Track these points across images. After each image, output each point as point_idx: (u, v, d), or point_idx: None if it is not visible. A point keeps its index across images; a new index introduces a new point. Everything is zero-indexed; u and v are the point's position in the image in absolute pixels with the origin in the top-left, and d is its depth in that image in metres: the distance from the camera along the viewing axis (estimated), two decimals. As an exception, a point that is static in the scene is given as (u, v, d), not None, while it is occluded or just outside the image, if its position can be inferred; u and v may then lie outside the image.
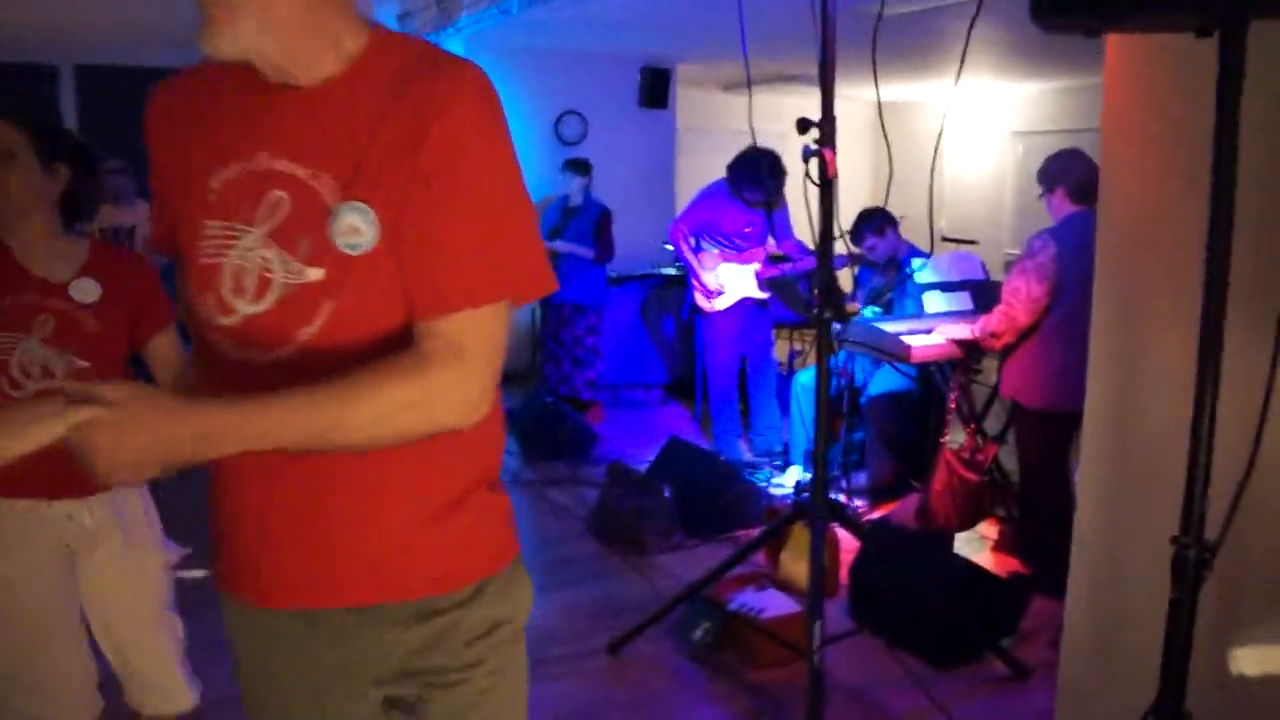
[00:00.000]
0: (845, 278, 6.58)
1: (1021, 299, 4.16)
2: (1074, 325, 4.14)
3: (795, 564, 4.15)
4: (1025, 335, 4.27)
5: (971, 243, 8.62)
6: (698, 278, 6.23)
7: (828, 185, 2.87)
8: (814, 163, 2.86)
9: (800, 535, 4.10)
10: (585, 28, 7.82)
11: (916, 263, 5.02)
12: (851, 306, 2.78)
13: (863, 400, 5.49)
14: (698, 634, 3.88)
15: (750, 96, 3.42)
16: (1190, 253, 2.32)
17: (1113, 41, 2.56)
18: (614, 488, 5.19)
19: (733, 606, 3.88)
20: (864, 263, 5.84)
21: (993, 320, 4.28)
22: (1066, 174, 4.28)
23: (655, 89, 9.41)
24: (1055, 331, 4.18)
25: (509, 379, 8.93)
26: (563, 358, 7.32)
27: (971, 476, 4.51)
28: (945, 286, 5.02)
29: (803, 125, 2.87)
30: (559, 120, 9.10)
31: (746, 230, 6.21)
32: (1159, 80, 2.43)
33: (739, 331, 6.36)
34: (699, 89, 10.62)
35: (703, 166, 8.80)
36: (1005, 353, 4.38)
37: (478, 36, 8.03)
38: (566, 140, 9.10)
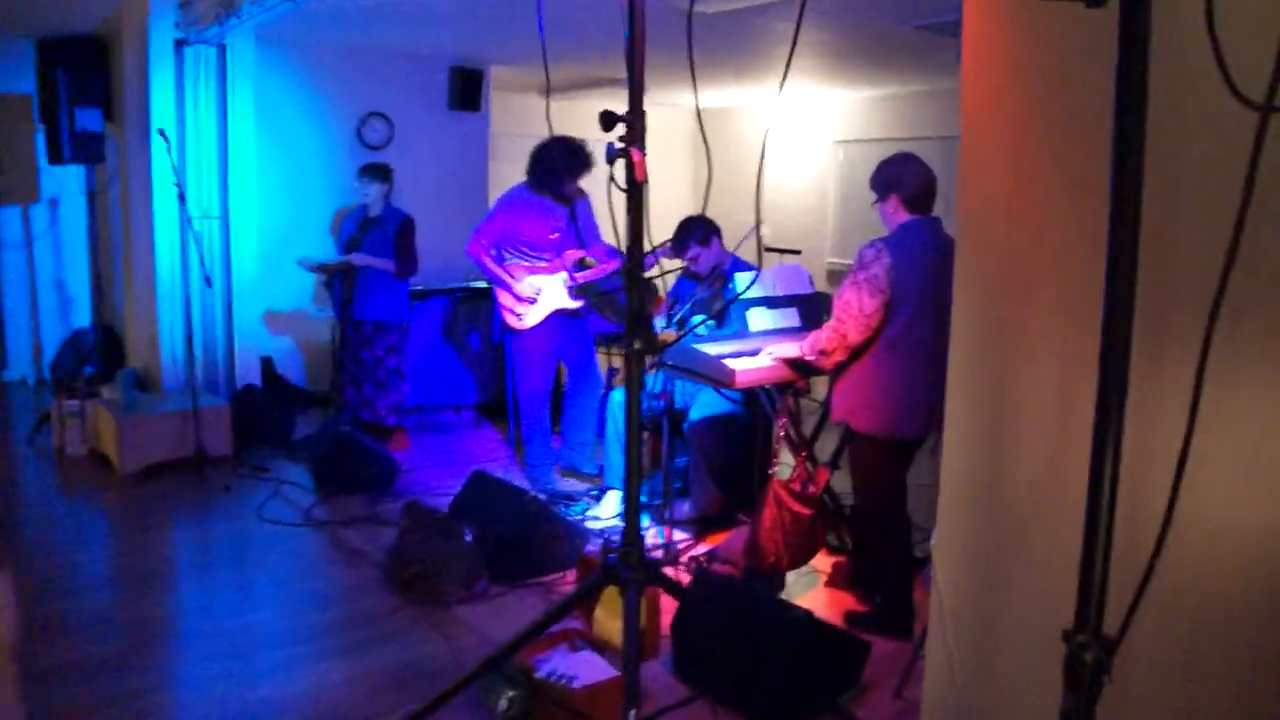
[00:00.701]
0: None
1: (853, 313, 3.79)
2: (910, 342, 3.81)
3: (610, 621, 3.67)
4: (857, 353, 3.91)
5: (795, 252, 8.35)
6: (510, 291, 5.75)
7: (636, 190, 2.40)
8: (620, 164, 2.38)
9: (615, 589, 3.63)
10: (387, 23, 7.22)
11: (742, 277, 4.61)
12: (666, 334, 2.35)
13: (685, 425, 5.07)
14: (501, 705, 3.36)
15: (549, 97, 2.96)
16: (1078, 260, 1.95)
17: (972, 15, 2.16)
18: (411, 530, 4.62)
19: (541, 673, 3.38)
20: (685, 274, 5.43)
21: (823, 337, 3.90)
22: (901, 180, 3.94)
23: (466, 91, 8.86)
24: (890, 349, 3.83)
25: (312, 403, 8.30)
26: (364, 380, 6.69)
27: (803, 510, 4.14)
28: (770, 302, 4.63)
29: (607, 120, 2.39)
30: (362, 123, 8.45)
31: (552, 238, 5.80)
32: (1034, 61, 2.04)
33: (552, 348, 5.93)
34: (513, 92, 10.11)
35: (517, 173, 8.31)
36: (836, 372, 4.01)
37: (270, 31, 7.34)
38: (370, 144, 8.46)
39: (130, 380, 6.54)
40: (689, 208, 11.12)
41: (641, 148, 2.39)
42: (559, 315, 5.83)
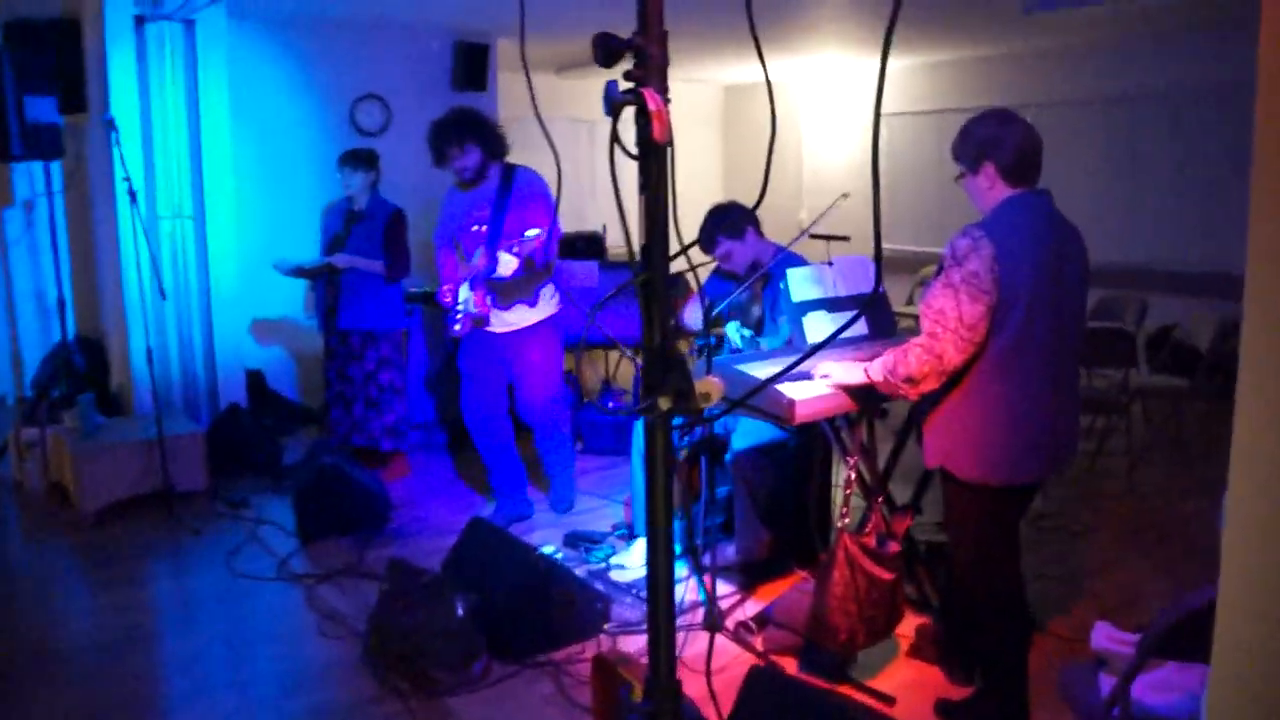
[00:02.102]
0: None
1: (950, 326, 2.84)
2: (1024, 357, 2.89)
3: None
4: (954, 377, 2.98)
5: (843, 239, 7.42)
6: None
7: (655, 157, 1.48)
8: (628, 115, 1.46)
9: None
10: (375, -9, 6.39)
11: (795, 275, 3.68)
12: (708, 383, 1.51)
13: (728, 456, 4.17)
14: None
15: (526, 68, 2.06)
16: None
17: None
18: (394, 595, 3.76)
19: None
20: (719, 272, 4.53)
21: (910, 360, 2.92)
22: (999, 143, 2.97)
23: (471, 69, 7.97)
24: (997, 369, 2.90)
25: (308, 420, 7.47)
26: (353, 399, 5.82)
27: (882, 574, 3.23)
28: (832, 304, 3.70)
29: (605, 48, 1.44)
30: (355, 106, 7.59)
31: (474, 230, 4.90)
32: None
33: (478, 363, 5.08)
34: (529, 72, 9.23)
35: (532, 160, 7.50)
36: (926, 402, 3.07)
37: (245, 4, 6.52)
38: (365, 130, 7.61)
39: (90, 405, 5.72)
40: (719, 197, 10.23)
41: (661, 91, 1.47)
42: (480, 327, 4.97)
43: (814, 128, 10.84)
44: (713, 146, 11.91)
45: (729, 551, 4.35)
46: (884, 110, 9.98)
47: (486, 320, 4.89)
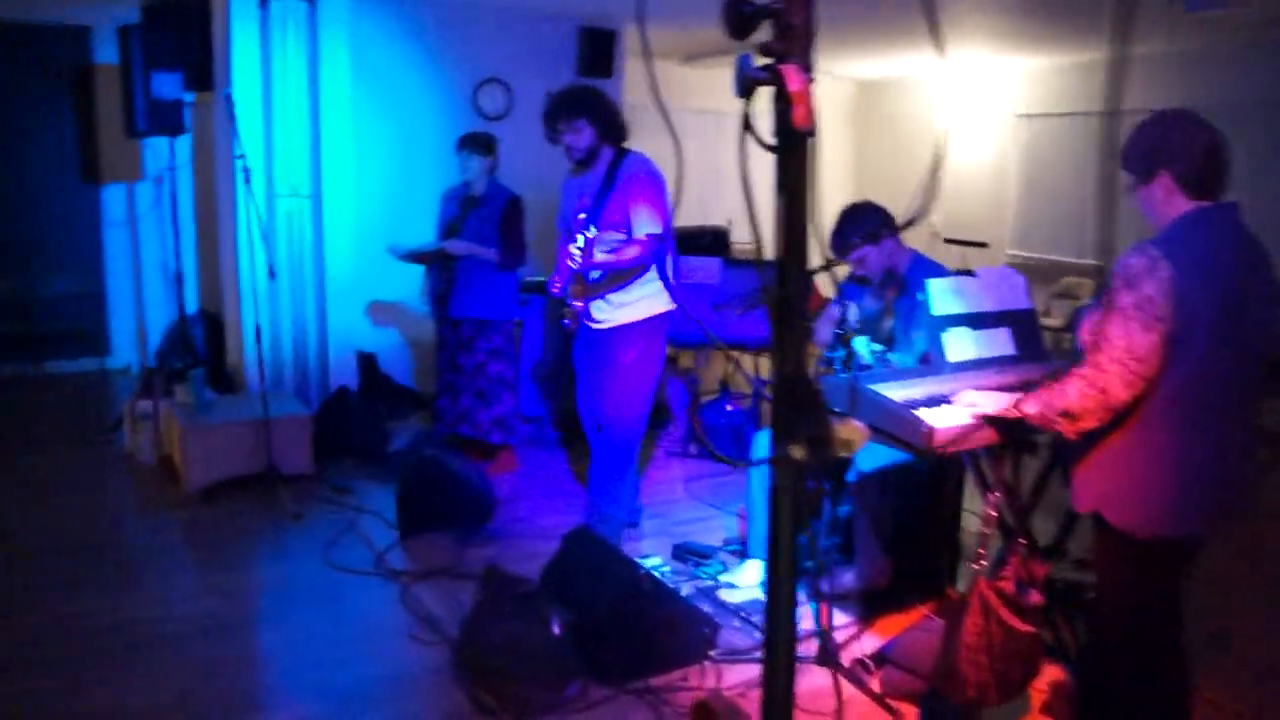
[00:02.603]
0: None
1: (1117, 358, 2.48)
2: (1200, 396, 2.53)
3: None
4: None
5: (980, 245, 7.01)
6: None
7: (796, 145, 1.22)
8: (762, 96, 1.20)
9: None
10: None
11: (936, 286, 3.33)
12: (852, 432, 1.22)
13: (851, 475, 3.86)
14: None
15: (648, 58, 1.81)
16: None
17: None
18: (488, 605, 3.56)
19: None
20: (851, 278, 4.20)
21: (1070, 394, 2.56)
22: (1174, 150, 2.60)
23: (597, 55, 7.78)
24: (1171, 409, 2.53)
25: (419, 406, 7.35)
26: (462, 390, 5.66)
27: (1022, 627, 2.90)
28: (976, 320, 3.36)
29: (737, 12, 1.18)
30: (478, 90, 7.46)
31: (580, 218, 4.49)
32: None
33: (583, 355, 4.78)
34: (654, 58, 8.99)
35: (658, 150, 7.22)
36: (1084, 440, 2.70)
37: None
38: (487, 115, 7.47)
39: (201, 381, 5.67)
40: (851, 198, 9.85)
41: (805, 68, 1.20)
42: (582, 321, 4.66)
43: (950, 126, 10.39)
44: (845, 144, 11.51)
45: (846, 577, 4.05)
46: (1021, 111, 9.52)
47: (583, 314, 4.61)
